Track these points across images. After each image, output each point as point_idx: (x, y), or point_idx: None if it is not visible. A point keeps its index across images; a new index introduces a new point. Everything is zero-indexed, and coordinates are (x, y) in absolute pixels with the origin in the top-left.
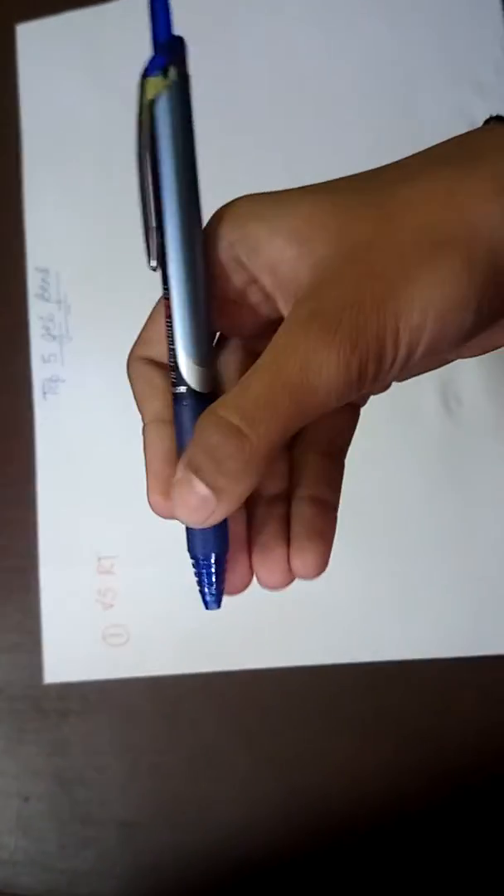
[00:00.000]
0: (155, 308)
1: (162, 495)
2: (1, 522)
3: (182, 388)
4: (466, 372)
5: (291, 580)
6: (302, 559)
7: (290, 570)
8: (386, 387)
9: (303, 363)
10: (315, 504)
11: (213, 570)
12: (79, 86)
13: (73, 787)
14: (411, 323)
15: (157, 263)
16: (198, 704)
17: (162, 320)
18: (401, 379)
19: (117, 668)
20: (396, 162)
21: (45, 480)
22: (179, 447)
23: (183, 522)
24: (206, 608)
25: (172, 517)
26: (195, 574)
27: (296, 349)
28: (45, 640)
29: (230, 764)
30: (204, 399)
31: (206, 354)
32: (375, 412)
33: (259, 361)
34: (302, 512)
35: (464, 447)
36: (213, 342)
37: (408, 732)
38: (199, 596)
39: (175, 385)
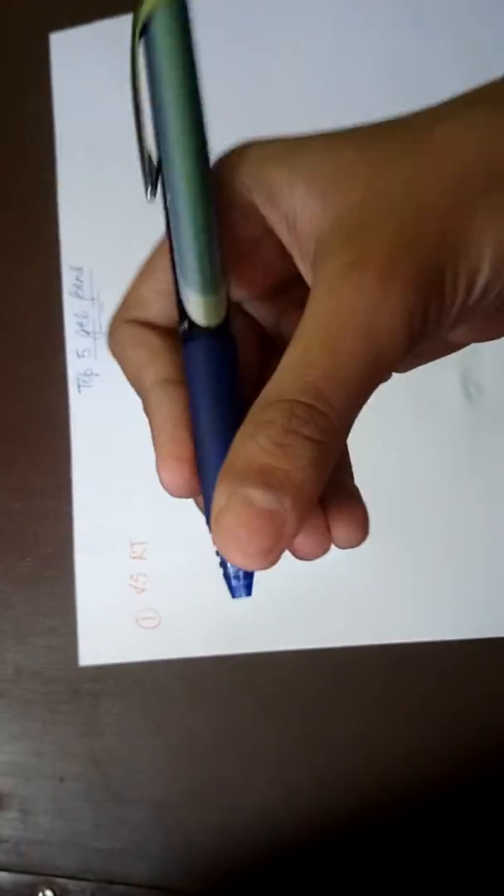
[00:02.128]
0: (145, 264)
1: (177, 459)
2: (38, 512)
3: (192, 324)
4: (487, 360)
5: (327, 550)
6: (345, 528)
7: (328, 540)
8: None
9: (364, 319)
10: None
11: None
12: (110, 91)
13: (106, 768)
14: (471, 259)
15: (157, 192)
16: (228, 686)
17: (155, 275)
18: (463, 322)
19: (149, 650)
20: (418, 110)
21: (79, 471)
22: (194, 411)
23: (239, 562)
24: (234, 596)
25: (187, 493)
26: (220, 563)
27: (352, 305)
28: (79, 624)
29: (260, 745)
30: (220, 338)
31: (219, 281)
32: (396, 400)
33: (305, 329)
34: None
35: (484, 435)
36: (224, 272)
37: (434, 712)
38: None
39: (186, 330)
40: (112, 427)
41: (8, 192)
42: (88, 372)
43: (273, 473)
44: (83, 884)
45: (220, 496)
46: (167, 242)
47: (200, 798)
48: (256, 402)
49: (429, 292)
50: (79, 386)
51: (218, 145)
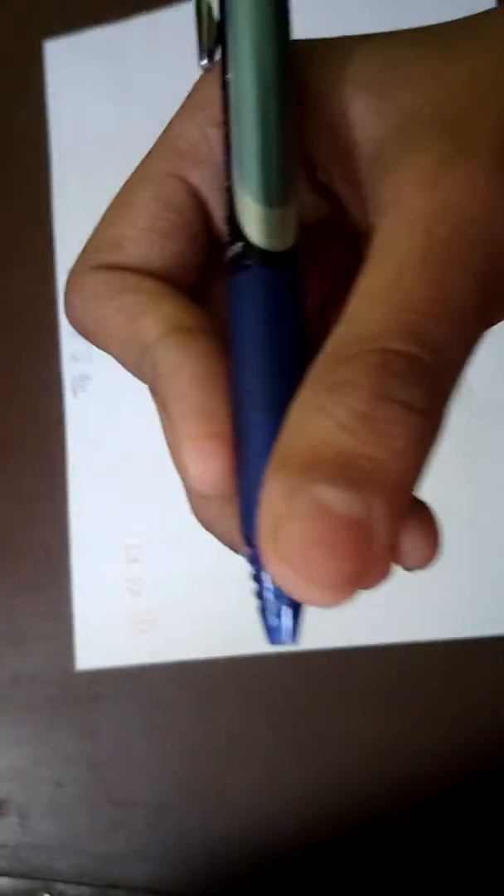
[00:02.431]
0: (120, 196)
1: (212, 438)
2: (33, 516)
3: (238, 248)
4: (478, 361)
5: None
6: (416, 543)
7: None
8: None
9: (485, 220)
10: None
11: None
12: (105, 99)
13: (104, 772)
14: None
15: (213, 56)
16: (225, 689)
17: (136, 208)
18: None
19: (146, 653)
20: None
21: (75, 475)
22: (240, 370)
23: (309, 596)
24: (273, 641)
25: (225, 489)
26: (257, 593)
27: (463, 204)
28: (76, 629)
29: (258, 747)
30: (285, 269)
31: (291, 190)
32: None
33: (391, 242)
34: None
35: (475, 434)
36: (297, 180)
37: (431, 713)
38: (223, 581)
39: (238, 255)
40: (108, 431)
41: (3, 198)
42: (83, 376)
43: (357, 463)
44: (82, 888)
45: (275, 498)
46: (163, 156)
47: (198, 801)
48: (324, 352)
49: None
50: (74, 390)
51: None
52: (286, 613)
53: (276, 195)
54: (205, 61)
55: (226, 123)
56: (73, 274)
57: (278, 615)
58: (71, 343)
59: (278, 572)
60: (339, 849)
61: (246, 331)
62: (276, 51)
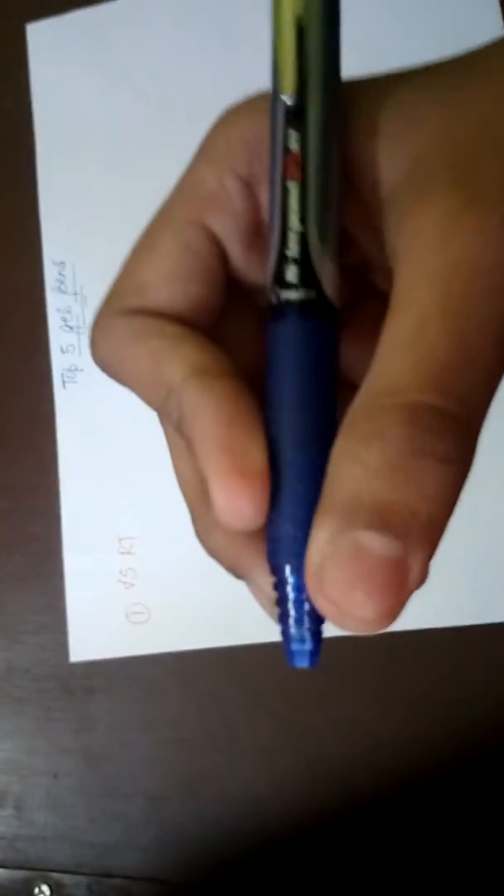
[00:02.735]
0: (143, 242)
1: (246, 476)
2: (25, 509)
3: (292, 295)
4: None
5: None
6: None
7: None
8: None
9: (495, 275)
10: None
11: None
12: (90, 81)
13: (100, 763)
14: None
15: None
16: (220, 679)
17: (160, 254)
18: None
19: (140, 645)
20: (463, 53)
21: (66, 467)
22: (271, 411)
23: (353, 627)
24: (294, 664)
25: (255, 524)
26: (280, 618)
27: (478, 255)
28: (69, 621)
29: (252, 737)
30: (325, 316)
31: (335, 242)
32: None
33: (412, 294)
34: None
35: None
36: (338, 234)
37: (426, 701)
38: (215, 572)
39: (280, 302)
40: (98, 422)
41: None
42: (73, 367)
43: (394, 509)
44: (78, 878)
45: (321, 541)
46: (178, 205)
47: (193, 791)
48: (358, 401)
49: None
50: (63, 382)
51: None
52: (308, 639)
53: (325, 248)
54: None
55: (276, 181)
56: (100, 317)
57: (301, 641)
58: (60, 335)
59: (324, 608)
60: (336, 838)
61: (287, 375)
62: (336, 119)
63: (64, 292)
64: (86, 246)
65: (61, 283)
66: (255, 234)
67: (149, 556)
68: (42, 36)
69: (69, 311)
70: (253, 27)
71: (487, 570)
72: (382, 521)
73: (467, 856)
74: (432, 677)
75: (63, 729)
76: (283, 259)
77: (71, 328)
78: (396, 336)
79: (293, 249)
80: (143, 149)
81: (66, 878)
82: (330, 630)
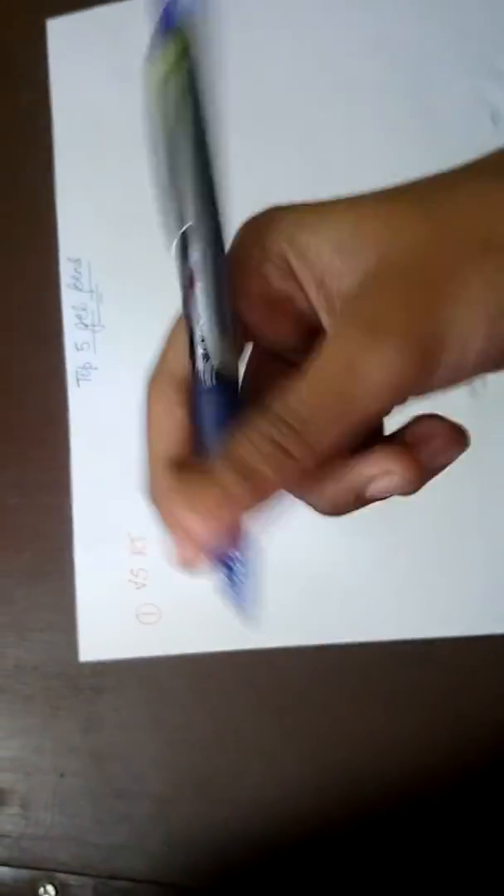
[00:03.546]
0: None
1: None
2: (36, 507)
3: (206, 369)
4: None
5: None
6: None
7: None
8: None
9: (350, 367)
10: None
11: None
12: (108, 79)
13: (107, 763)
14: (462, 329)
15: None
16: (228, 681)
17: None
18: (448, 386)
19: (150, 646)
20: (440, 173)
21: (78, 465)
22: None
23: (176, 529)
24: (250, 616)
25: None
26: (224, 588)
27: (344, 354)
28: (79, 620)
29: (260, 740)
30: (226, 388)
31: (230, 334)
32: None
33: (307, 366)
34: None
35: (488, 429)
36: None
37: (434, 710)
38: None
39: (198, 365)
40: (111, 420)
41: (4, 183)
42: (87, 365)
43: (250, 467)
44: (84, 879)
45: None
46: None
47: (201, 793)
48: (265, 404)
49: (418, 357)
50: (77, 380)
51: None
52: (248, 588)
53: (222, 333)
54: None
55: (187, 300)
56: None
57: (243, 593)
58: (74, 332)
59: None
60: (342, 843)
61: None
62: (221, 266)
63: (79, 289)
64: (102, 243)
65: (77, 279)
66: (279, 311)
67: (161, 556)
68: (62, 32)
69: (84, 308)
70: (270, 25)
71: (493, 582)
72: (236, 470)
73: (475, 865)
74: (442, 685)
75: (71, 728)
76: (193, 342)
77: (86, 325)
78: (302, 377)
79: (198, 336)
80: None
81: (72, 879)
82: (342, 637)
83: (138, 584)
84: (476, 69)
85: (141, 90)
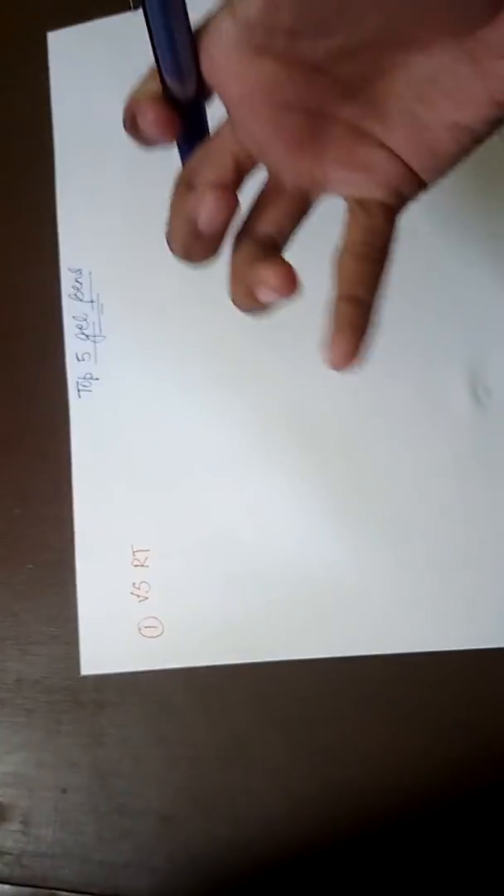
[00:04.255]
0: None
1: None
2: (38, 518)
3: None
4: (495, 362)
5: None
6: (333, 349)
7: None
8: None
9: None
10: (347, 301)
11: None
12: (109, 90)
13: (110, 779)
14: None
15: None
16: (232, 696)
17: None
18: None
19: (152, 659)
20: None
21: (80, 476)
22: None
23: None
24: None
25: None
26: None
27: None
28: (81, 633)
29: (265, 755)
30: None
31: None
32: (405, 404)
33: None
34: (336, 309)
35: (493, 438)
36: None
37: (443, 724)
38: (231, 587)
39: None
40: (113, 432)
41: (5, 194)
42: (88, 376)
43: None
44: None
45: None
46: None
47: (205, 810)
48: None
49: None
50: (79, 390)
51: None
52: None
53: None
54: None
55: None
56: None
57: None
58: (75, 343)
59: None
60: (348, 860)
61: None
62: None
63: (80, 300)
64: (103, 253)
65: (77, 290)
66: None
67: (163, 569)
68: (63, 44)
69: (85, 319)
70: None
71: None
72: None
73: (485, 879)
74: (449, 699)
75: (73, 743)
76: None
77: (87, 336)
78: None
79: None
80: (160, 158)
81: None
82: (349, 651)
83: (140, 596)
84: None
85: None
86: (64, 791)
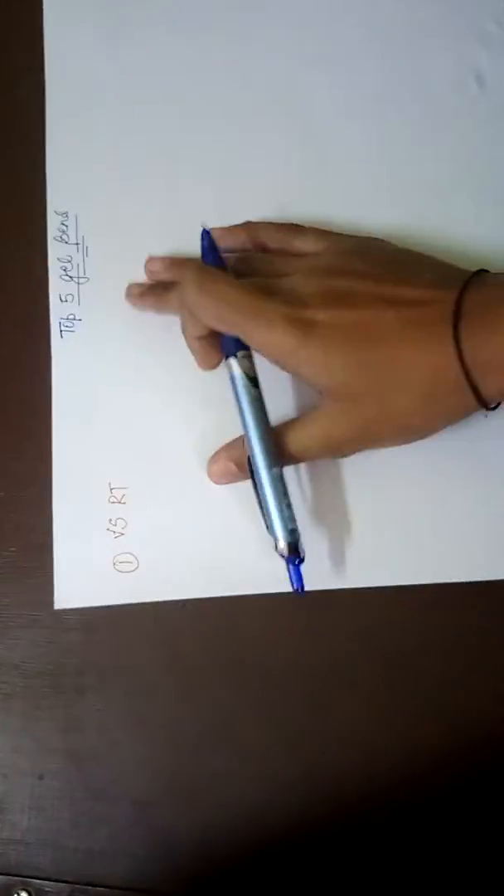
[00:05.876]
0: None
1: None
2: (18, 501)
3: None
4: None
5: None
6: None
7: None
8: None
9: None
10: None
11: None
12: (101, 37)
13: (87, 765)
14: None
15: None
16: (215, 680)
17: None
18: None
19: (126, 593)
20: None
21: (60, 415)
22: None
23: None
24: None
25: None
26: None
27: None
28: (56, 569)
29: (247, 741)
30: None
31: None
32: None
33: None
34: None
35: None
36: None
37: (428, 709)
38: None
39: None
40: (93, 372)
41: None
42: (71, 316)
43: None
44: (61, 885)
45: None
46: None
47: (185, 796)
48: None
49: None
50: (61, 331)
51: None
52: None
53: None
54: None
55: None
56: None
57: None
58: (59, 284)
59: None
60: (333, 846)
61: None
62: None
63: (66, 242)
64: (90, 197)
65: (63, 232)
66: None
67: (140, 506)
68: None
69: (69, 261)
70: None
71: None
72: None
73: (466, 864)
74: (432, 684)
75: (51, 728)
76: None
77: (71, 278)
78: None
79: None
80: (149, 103)
81: (48, 885)
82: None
83: (116, 532)
84: (463, 33)
85: (131, 48)
86: (41, 777)
